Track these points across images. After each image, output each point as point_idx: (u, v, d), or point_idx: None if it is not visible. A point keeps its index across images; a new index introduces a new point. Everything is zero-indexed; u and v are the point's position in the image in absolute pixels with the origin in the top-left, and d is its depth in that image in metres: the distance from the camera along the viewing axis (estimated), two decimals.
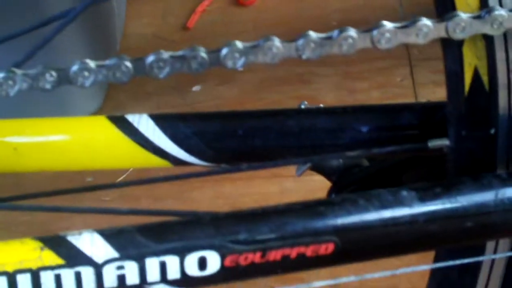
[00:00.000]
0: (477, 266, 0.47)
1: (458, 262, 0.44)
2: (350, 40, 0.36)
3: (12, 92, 0.36)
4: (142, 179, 0.49)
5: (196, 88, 1.43)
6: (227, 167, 0.53)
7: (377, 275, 0.44)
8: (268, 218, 0.38)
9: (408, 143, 0.48)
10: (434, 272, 0.49)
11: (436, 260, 0.47)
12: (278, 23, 1.65)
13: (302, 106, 0.63)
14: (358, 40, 0.36)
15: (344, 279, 0.41)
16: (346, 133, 0.51)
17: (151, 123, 0.52)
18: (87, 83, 0.36)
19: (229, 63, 0.36)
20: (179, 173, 0.49)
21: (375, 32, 0.36)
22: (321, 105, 0.65)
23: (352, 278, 0.41)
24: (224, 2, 1.73)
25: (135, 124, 0.52)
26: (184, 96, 1.42)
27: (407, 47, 1.45)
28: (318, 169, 0.61)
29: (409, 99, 1.30)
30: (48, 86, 0.36)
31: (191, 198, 1.12)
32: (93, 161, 0.53)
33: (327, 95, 1.36)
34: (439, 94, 1.29)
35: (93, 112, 1.22)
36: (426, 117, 0.50)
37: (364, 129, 0.51)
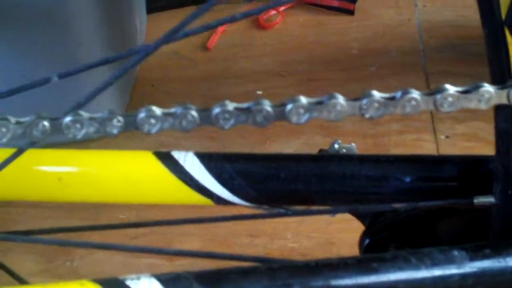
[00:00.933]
0: None
1: None
2: (413, 102, 0.36)
3: (79, 135, 0.37)
4: (195, 218, 0.49)
5: None
6: (271, 211, 0.53)
7: None
8: (321, 272, 0.38)
9: (452, 197, 0.48)
10: None
11: None
12: (298, 47, 1.66)
13: (336, 146, 0.63)
14: (421, 102, 0.37)
15: None
16: (389, 182, 0.51)
17: (196, 162, 0.52)
18: (153, 130, 0.37)
19: (294, 119, 0.36)
20: (227, 215, 0.49)
21: (438, 96, 0.37)
22: (353, 144, 0.66)
23: None
24: (244, 24, 1.75)
25: (181, 162, 0.52)
26: None
27: (426, 79, 1.46)
28: (350, 211, 0.62)
29: (428, 134, 1.31)
30: (114, 131, 0.36)
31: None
32: (136, 196, 0.54)
33: (347, 124, 1.37)
34: (458, 130, 1.30)
35: None
36: (470, 170, 0.50)
37: (407, 179, 0.51)
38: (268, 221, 1.10)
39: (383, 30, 1.69)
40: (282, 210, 0.51)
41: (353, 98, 0.37)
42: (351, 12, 1.78)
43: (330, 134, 1.31)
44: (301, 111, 0.36)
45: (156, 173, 0.52)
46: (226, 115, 0.37)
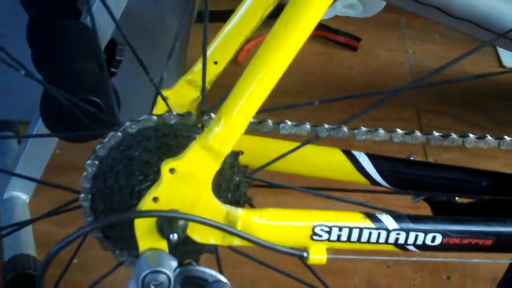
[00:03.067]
0: None
1: None
2: None
3: None
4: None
5: None
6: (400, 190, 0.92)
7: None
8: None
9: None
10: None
11: None
12: (312, 72, 2.05)
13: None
14: None
15: None
16: (472, 184, 0.91)
17: (366, 158, 0.90)
18: None
19: None
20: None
21: None
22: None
23: None
24: None
25: (357, 156, 0.90)
26: None
27: (417, 114, 1.87)
28: (426, 200, 1.00)
29: (421, 157, 1.70)
30: None
31: None
32: (322, 171, 0.90)
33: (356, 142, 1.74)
34: (443, 156, 1.70)
35: None
36: None
37: (484, 183, 0.90)
38: None
39: (381, 68, 2.10)
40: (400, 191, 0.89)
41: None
42: (355, 49, 2.18)
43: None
44: None
45: (341, 161, 0.89)
46: None
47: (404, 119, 1.86)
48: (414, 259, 0.78)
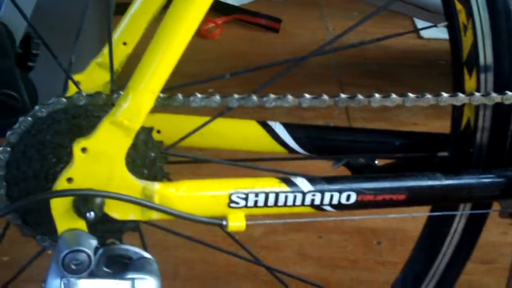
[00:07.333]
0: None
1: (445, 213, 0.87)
2: None
3: None
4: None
5: None
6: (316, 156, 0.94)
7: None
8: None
9: (424, 152, 0.90)
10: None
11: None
12: (236, 56, 2.06)
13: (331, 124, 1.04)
14: None
15: None
16: (387, 144, 0.93)
17: (281, 127, 0.92)
18: None
19: None
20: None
21: None
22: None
23: None
24: None
25: (273, 126, 0.91)
26: None
27: (340, 88, 1.91)
28: (346, 165, 1.03)
29: None
30: None
31: None
32: (239, 143, 0.92)
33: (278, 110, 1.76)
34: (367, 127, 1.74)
35: None
36: (435, 138, 0.93)
37: (397, 143, 0.93)
38: None
39: (303, 47, 2.13)
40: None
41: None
42: (276, 30, 2.21)
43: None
44: None
45: (258, 133, 0.91)
46: None
47: (329, 93, 1.89)
48: (332, 218, 0.80)
